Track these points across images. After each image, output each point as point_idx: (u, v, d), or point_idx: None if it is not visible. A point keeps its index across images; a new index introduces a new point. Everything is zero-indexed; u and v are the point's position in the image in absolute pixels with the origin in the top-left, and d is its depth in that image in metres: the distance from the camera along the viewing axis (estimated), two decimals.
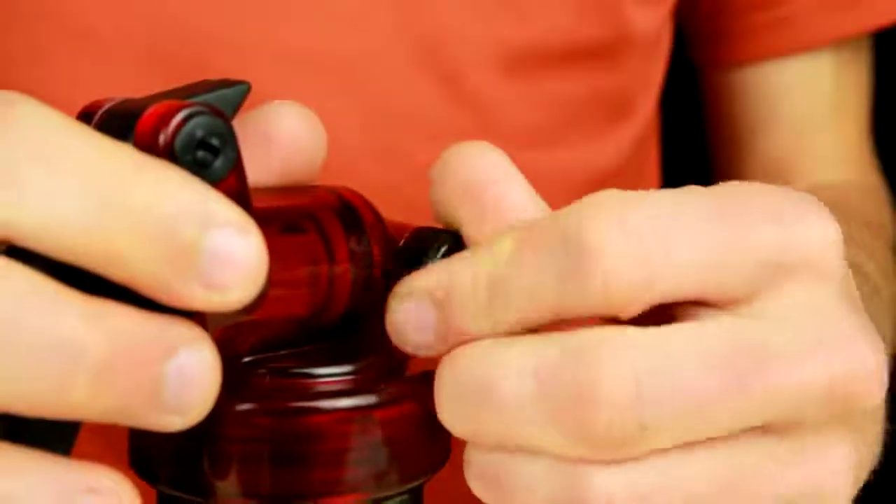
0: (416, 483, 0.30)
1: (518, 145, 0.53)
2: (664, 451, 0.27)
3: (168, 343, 0.24)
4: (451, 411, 0.28)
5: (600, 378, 0.26)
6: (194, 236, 0.24)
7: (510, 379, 0.27)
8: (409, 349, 0.29)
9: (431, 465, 0.31)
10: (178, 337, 0.25)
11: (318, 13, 0.50)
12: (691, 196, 0.28)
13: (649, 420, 0.26)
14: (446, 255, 0.30)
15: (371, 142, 0.51)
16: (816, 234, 0.28)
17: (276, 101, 0.31)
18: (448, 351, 0.28)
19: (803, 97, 0.64)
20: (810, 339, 0.27)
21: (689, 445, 0.27)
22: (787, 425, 0.28)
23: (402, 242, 0.31)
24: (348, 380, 0.29)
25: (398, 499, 0.30)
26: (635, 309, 0.27)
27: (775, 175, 0.65)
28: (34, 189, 0.23)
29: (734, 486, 0.27)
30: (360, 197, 0.32)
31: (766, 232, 0.28)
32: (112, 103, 0.28)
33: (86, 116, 0.28)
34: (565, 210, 0.28)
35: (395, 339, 0.29)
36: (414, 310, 0.29)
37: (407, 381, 0.30)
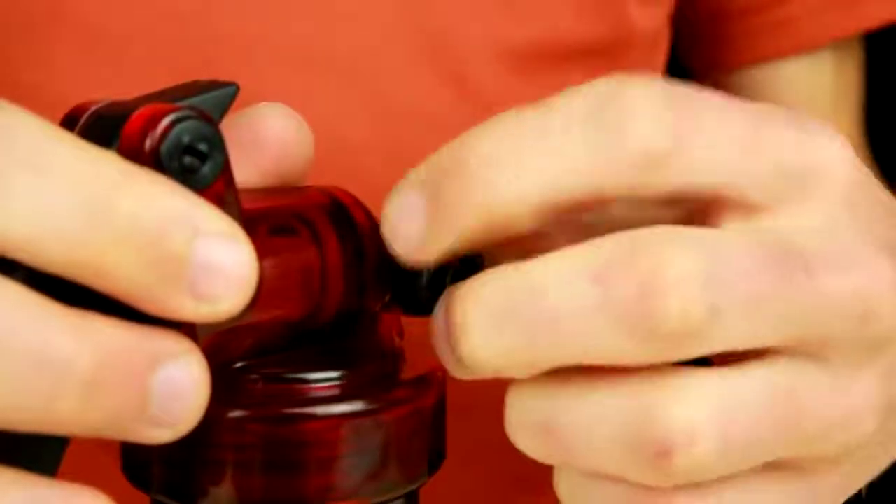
0: (411, 487, 0.30)
1: None
2: (728, 368, 0.27)
3: (155, 355, 0.24)
4: (486, 335, 0.26)
5: (666, 265, 0.26)
6: (182, 246, 0.24)
7: (565, 287, 0.26)
8: (399, 248, 0.28)
9: (427, 469, 0.30)
10: (165, 349, 0.24)
11: (324, 11, 0.49)
12: (718, 96, 0.28)
13: (720, 302, 0.26)
14: None
15: (375, 140, 0.51)
16: (836, 150, 0.29)
17: (264, 103, 0.31)
18: (440, 247, 0.27)
19: (801, 97, 0.64)
20: (839, 253, 0.28)
21: (742, 360, 0.27)
22: (818, 345, 0.28)
23: None
24: (342, 385, 0.29)
25: (394, 503, 0.30)
26: (665, 180, 0.27)
27: None
28: (20, 199, 0.23)
29: (782, 409, 0.27)
30: (352, 197, 0.31)
31: (789, 134, 0.28)
32: (99, 105, 0.27)
33: (72, 119, 0.27)
34: (596, 81, 0.27)
35: (389, 240, 0.28)
36: (405, 201, 0.28)
37: (401, 384, 0.30)
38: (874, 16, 0.63)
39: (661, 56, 0.62)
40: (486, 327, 0.26)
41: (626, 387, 0.27)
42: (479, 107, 0.53)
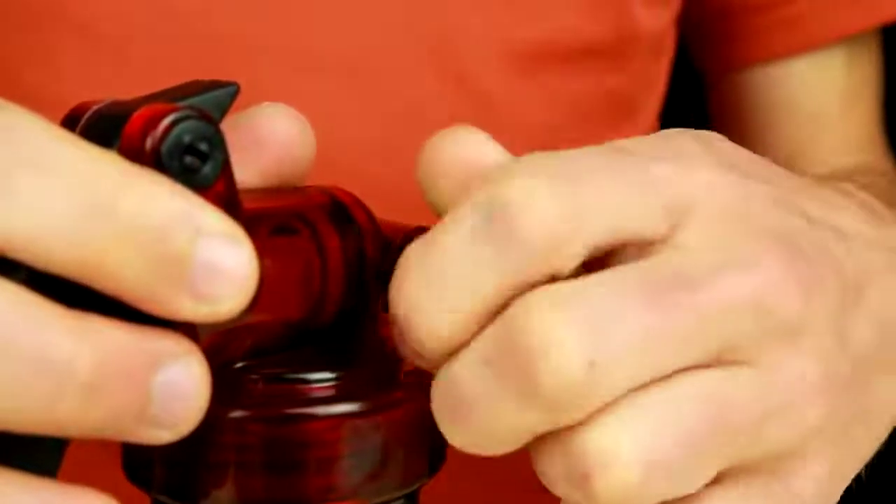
0: (412, 488, 0.30)
1: (526, 144, 0.52)
2: (645, 391, 0.27)
3: (155, 357, 0.24)
4: (447, 428, 0.28)
5: (536, 331, 0.26)
6: (183, 247, 0.24)
7: (468, 377, 0.27)
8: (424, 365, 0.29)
9: (427, 469, 0.30)
10: (166, 350, 0.24)
11: (327, 12, 0.49)
12: (590, 151, 0.29)
13: (597, 353, 0.26)
14: None
15: (380, 141, 0.51)
16: (707, 171, 0.29)
17: (266, 103, 0.31)
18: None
19: (814, 95, 0.64)
20: (722, 261, 0.28)
21: (645, 388, 0.27)
22: (729, 351, 0.28)
23: (397, 242, 0.31)
24: (342, 385, 0.29)
25: (395, 503, 0.30)
26: (567, 260, 0.27)
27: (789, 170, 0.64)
28: (22, 199, 0.23)
29: (707, 417, 0.27)
30: (353, 197, 0.31)
31: (658, 172, 0.28)
32: (100, 105, 0.27)
33: (73, 119, 0.27)
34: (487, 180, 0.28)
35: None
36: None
37: (402, 384, 0.30)
38: (883, 12, 0.63)
39: (666, 58, 0.61)
40: (445, 423, 0.28)
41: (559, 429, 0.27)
42: (485, 108, 0.53)
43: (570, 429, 0.27)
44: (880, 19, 0.63)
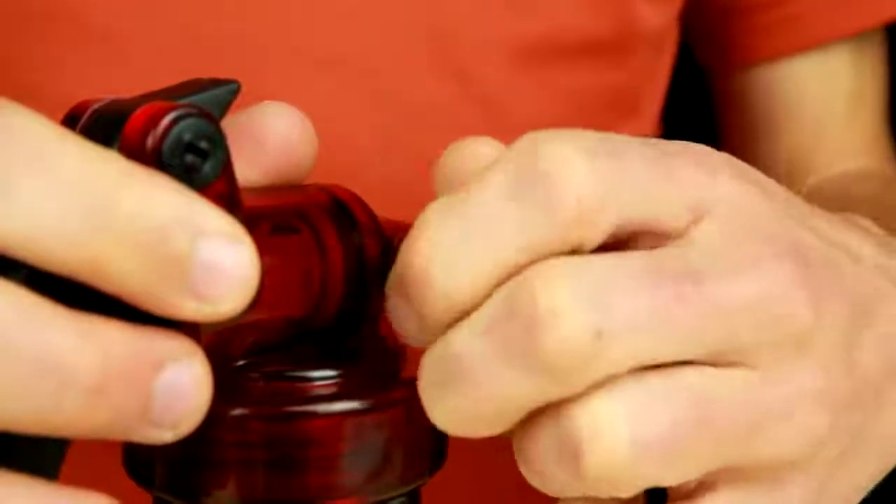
0: (413, 486, 0.30)
1: None
2: (640, 373, 0.27)
3: (158, 358, 0.24)
4: (435, 403, 0.28)
5: (540, 299, 0.26)
6: (184, 247, 0.24)
7: (468, 347, 0.27)
8: (410, 342, 0.29)
9: (429, 467, 0.30)
10: (168, 352, 0.24)
11: (329, 10, 0.49)
12: (624, 137, 0.29)
13: (604, 325, 0.26)
14: None
15: (383, 138, 0.51)
16: (728, 180, 0.29)
17: (267, 101, 0.31)
18: (436, 335, 0.28)
19: (819, 93, 0.64)
20: (734, 265, 0.28)
21: (643, 372, 0.27)
22: (734, 352, 0.28)
23: (398, 241, 0.31)
24: (343, 383, 0.29)
25: (395, 502, 0.30)
26: (594, 233, 0.27)
27: (792, 171, 0.64)
28: (22, 198, 0.23)
29: (701, 412, 0.27)
30: (353, 195, 0.31)
31: (682, 167, 0.29)
32: (100, 104, 0.27)
33: (73, 118, 0.27)
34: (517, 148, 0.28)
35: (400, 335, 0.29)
36: (392, 306, 0.29)
37: (403, 382, 0.30)
38: (885, 12, 0.63)
39: (668, 55, 0.61)
40: (435, 398, 0.28)
41: (551, 407, 0.27)
42: (486, 104, 0.53)
43: (562, 404, 0.27)
44: (885, 18, 0.63)
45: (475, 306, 0.27)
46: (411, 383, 0.30)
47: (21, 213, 0.23)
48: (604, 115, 0.57)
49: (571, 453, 0.27)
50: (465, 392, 0.27)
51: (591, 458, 0.27)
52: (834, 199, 0.56)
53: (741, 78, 0.65)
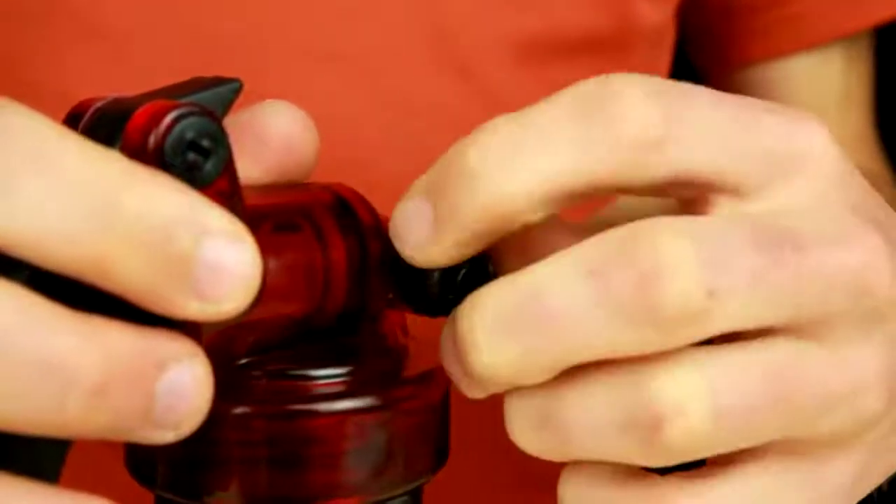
0: (415, 484, 0.30)
1: None
2: (724, 346, 0.27)
3: (161, 360, 0.24)
4: (493, 345, 0.27)
5: (661, 253, 0.26)
6: (187, 246, 0.24)
7: (563, 286, 0.26)
8: (407, 251, 0.28)
9: (431, 465, 0.30)
10: (171, 353, 0.24)
11: (331, 8, 0.49)
12: (699, 87, 0.29)
13: (718, 284, 0.26)
14: None
15: (387, 135, 0.51)
16: (821, 137, 0.29)
17: (269, 101, 0.31)
18: (446, 248, 0.27)
19: (811, 93, 0.64)
20: (830, 229, 0.28)
21: (739, 339, 0.27)
22: (817, 322, 0.28)
23: None
24: (346, 381, 0.29)
25: (398, 500, 0.30)
26: (659, 166, 0.27)
27: None
28: (24, 198, 0.23)
29: (777, 385, 0.27)
30: (356, 193, 0.31)
31: (775, 121, 0.29)
32: (102, 102, 0.27)
33: (75, 117, 0.27)
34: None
35: (398, 244, 0.28)
36: (411, 206, 0.28)
37: (406, 382, 0.30)
38: (881, 12, 0.63)
39: (666, 51, 0.61)
40: (493, 339, 0.27)
41: (622, 371, 0.27)
42: (488, 101, 0.53)
43: (641, 367, 0.26)
44: (880, 18, 0.63)
45: (519, 220, 0.27)
46: (414, 381, 0.30)
47: (23, 213, 0.23)
48: None
49: (649, 424, 0.26)
50: (543, 335, 0.26)
51: (672, 432, 0.26)
52: None
53: (736, 77, 0.65)
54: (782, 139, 0.28)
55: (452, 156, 0.27)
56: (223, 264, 0.24)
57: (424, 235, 0.28)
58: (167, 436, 0.25)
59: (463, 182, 0.27)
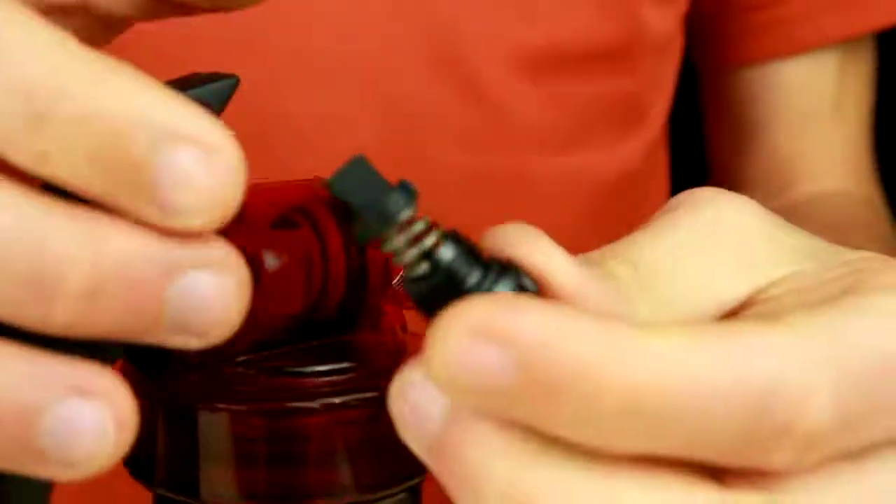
0: (414, 481, 0.30)
1: (534, 148, 0.52)
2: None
3: (169, 264, 0.22)
4: None
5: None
6: (147, 150, 0.21)
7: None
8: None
9: None
10: (184, 258, 0.22)
11: (332, 18, 0.49)
12: None
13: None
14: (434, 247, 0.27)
15: (389, 144, 0.51)
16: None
17: None
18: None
19: (805, 97, 0.64)
20: None
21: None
22: None
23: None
24: (343, 378, 0.29)
25: (396, 497, 0.30)
26: None
27: (775, 176, 0.64)
28: None
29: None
30: None
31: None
32: None
33: None
34: None
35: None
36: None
37: None
38: (875, 20, 0.63)
39: (674, 60, 0.61)
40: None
41: None
42: (492, 112, 0.53)
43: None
44: (875, 25, 0.63)
45: None
46: None
47: None
48: (611, 121, 0.57)
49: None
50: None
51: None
52: (825, 224, 0.56)
53: (730, 78, 0.65)
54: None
55: None
56: (189, 174, 0.21)
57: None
58: (191, 342, 0.22)
59: None
